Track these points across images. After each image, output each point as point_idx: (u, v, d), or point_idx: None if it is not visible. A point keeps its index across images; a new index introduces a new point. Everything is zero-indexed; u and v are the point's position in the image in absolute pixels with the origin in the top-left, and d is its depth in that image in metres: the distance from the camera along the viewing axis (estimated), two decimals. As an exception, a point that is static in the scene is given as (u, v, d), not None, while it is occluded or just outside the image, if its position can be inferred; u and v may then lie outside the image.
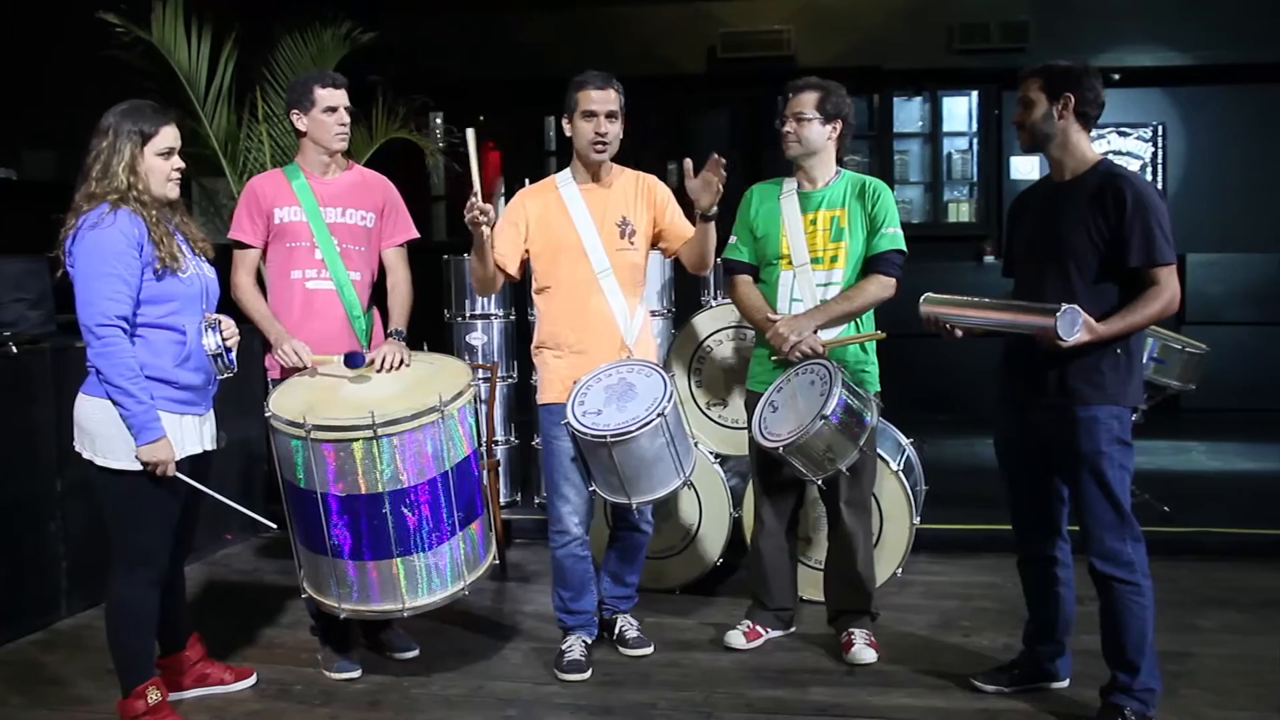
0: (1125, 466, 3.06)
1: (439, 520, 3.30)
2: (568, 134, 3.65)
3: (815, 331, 3.59)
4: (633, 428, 3.32)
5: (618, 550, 3.87)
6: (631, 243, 3.65)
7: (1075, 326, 2.90)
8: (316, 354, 3.50)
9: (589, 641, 3.71)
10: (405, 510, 3.24)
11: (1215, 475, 6.43)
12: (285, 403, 3.31)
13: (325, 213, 3.62)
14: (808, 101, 3.64)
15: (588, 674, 3.59)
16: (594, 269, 3.59)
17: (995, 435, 3.36)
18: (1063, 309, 2.88)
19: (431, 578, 3.34)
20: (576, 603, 3.70)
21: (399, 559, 3.27)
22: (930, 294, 3.26)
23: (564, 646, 3.68)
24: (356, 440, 3.17)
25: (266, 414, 3.29)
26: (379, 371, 3.49)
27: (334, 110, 3.59)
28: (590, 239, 3.60)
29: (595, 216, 3.62)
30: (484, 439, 3.72)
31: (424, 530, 3.28)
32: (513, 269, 3.67)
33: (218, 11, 5.95)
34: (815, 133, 3.65)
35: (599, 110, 3.54)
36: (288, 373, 3.53)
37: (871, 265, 3.65)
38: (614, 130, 3.58)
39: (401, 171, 4.12)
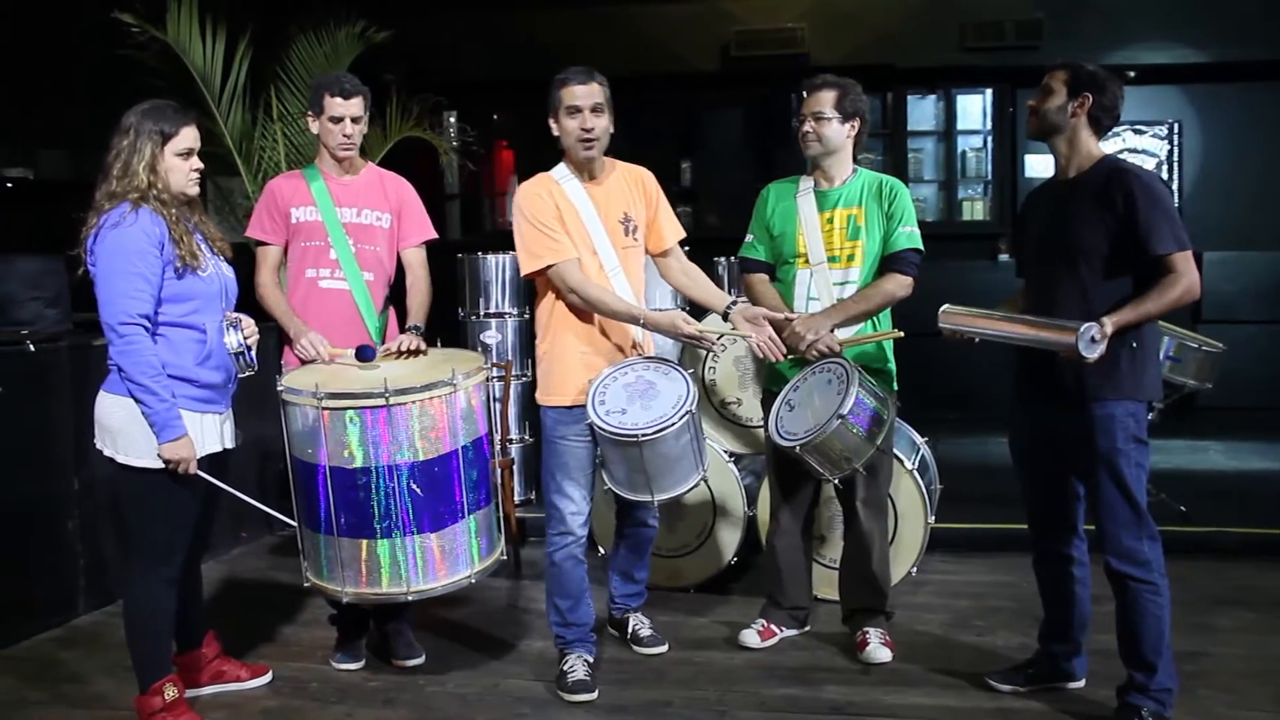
0: (1142, 465, 3.05)
1: (450, 498, 3.27)
2: (555, 133, 3.52)
3: (832, 330, 3.58)
4: (664, 426, 3.26)
5: (626, 547, 3.84)
6: (635, 239, 3.57)
7: (1097, 343, 2.87)
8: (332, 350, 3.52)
9: (590, 660, 3.54)
10: (414, 486, 3.21)
11: (1232, 474, 6.39)
12: (298, 378, 3.33)
13: (341, 213, 3.65)
14: (826, 100, 3.62)
15: (595, 694, 3.43)
16: (605, 270, 3.48)
17: (1010, 433, 3.35)
18: (1082, 328, 2.85)
19: (438, 562, 3.30)
20: (574, 613, 3.54)
21: (406, 538, 3.23)
22: (948, 306, 3.24)
23: (565, 667, 3.50)
24: (369, 408, 3.16)
25: (278, 388, 3.29)
26: (396, 354, 3.50)
27: (339, 120, 3.59)
28: (600, 239, 3.50)
29: (601, 215, 3.51)
30: (498, 434, 3.71)
31: (434, 508, 3.24)
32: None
33: (232, 11, 5.98)
34: (834, 131, 3.63)
35: (583, 105, 3.41)
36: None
37: (888, 264, 3.63)
38: (601, 124, 3.45)
39: (416, 170, 4.13)
